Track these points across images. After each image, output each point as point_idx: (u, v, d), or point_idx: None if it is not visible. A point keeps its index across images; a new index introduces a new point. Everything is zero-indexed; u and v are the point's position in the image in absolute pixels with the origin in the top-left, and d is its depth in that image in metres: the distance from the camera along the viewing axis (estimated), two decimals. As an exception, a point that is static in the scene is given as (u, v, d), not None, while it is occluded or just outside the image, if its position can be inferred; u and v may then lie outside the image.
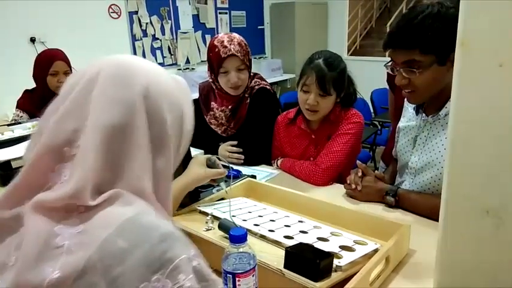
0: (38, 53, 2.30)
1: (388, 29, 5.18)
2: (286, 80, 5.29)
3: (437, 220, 0.67)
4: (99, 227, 0.54)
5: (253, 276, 0.75)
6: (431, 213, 1.16)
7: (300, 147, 1.68)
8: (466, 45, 0.59)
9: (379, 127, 3.66)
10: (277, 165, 1.72)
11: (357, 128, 1.57)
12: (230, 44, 1.71)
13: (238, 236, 0.74)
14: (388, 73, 1.97)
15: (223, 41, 1.72)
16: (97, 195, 0.56)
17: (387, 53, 1.20)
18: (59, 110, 0.59)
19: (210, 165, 1.18)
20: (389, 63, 1.20)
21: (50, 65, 2.14)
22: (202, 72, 4.20)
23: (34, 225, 0.54)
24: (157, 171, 0.62)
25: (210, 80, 1.85)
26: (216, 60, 1.73)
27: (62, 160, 0.58)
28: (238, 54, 1.70)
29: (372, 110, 4.01)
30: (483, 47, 0.58)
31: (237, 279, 0.74)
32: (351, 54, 5.47)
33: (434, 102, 1.24)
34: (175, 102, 0.66)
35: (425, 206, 1.19)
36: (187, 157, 1.22)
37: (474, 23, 0.58)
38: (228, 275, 0.74)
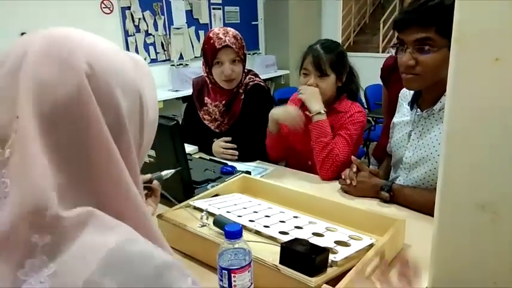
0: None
1: (382, 25, 5.19)
2: (280, 76, 5.28)
3: (431, 215, 0.67)
4: (76, 265, 0.42)
5: (248, 272, 0.75)
6: (425, 208, 1.16)
7: (304, 131, 1.66)
8: (462, 40, 0.59)
9: (373, 123, 3.67)
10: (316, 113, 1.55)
11: (362, 127, 1.61)
12: (225, 36, 1.73)
13: (233, 232, 0.74)
14: (381, 69, 1.98)
15: (218, 33, 1.74)
16: (68, 207, 0.44)
17: (395, 36, 1.19)
18: None
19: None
20: (395, 45, 1.20)
21: None
22: (195, 68, 4.17)
23: None
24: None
25: (204, 74, 1.85)
26: (210, 52, 1.74)
27: None
28: (233, 46, 1.72)
29: (366, 106, 4.02)
30: (479, 41, 0.57)
31: (232, 275, 0.73)
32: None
33: (429, 97, 1.24)
34: (131, 83, 0.53)
35: (420, 200, 1.19)
36: (180, 152, 1.22)
37: (470, 18, 0.58)
38: (223, 271, 0.74)
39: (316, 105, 1.54)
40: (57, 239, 0.43)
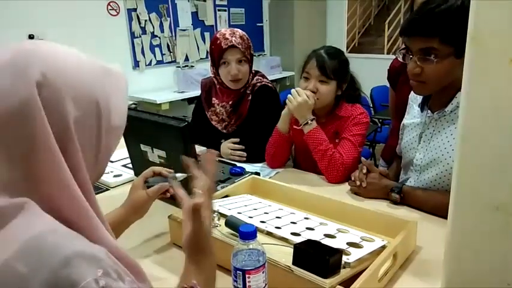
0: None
1: (386, 27, 5.18)
2: (286, 77, 5.27)
3: (443, 217, 0.67)
4: (0, 246, 0.50)
5: (263, 272, 0.75)
6: (436, 210, 1.16)
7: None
8: (477, 40, 0.59)
9: (379, 124, 3.66)
10: (303, 124, 1.53)
11: (366, 128, 1.59)
12: (232, 36, 1.75)
13: (247, 233, 0.74)
14: (388, 70, 1.97)
15: (225, 34, 1.76)
16: (6, 198, 0.52)
17: (400, 41, 1.19)
18: None
19: (151, 183, 1.02)
20: (402, 50, 1.20)
21: None
22: (201, 70, 4.17)
23: None
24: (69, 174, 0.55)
25: (212, 75, 1.86)
26: (217, 52, 1.75)
27: None
28: (239, 46, 1.73)
29: (371, 107, 4.01)
30: (494, 42, 0.57)
31: (247, 275, 0.73)
32: (349, 52, 5.45)
33: (440, 98, 1.24)
34: (89, 93, 0.58)
35: (431, 202, 1.19)
36: (191, 153, 1.22)
37: (485, 18, 0.57)
38: (237, 271, 0.74)
39: (304, 116, 1.52)
40: None
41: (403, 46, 1.20)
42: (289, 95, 1.54)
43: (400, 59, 1.22)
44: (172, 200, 1.24)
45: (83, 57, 0.61)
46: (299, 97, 1.50)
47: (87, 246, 0.53)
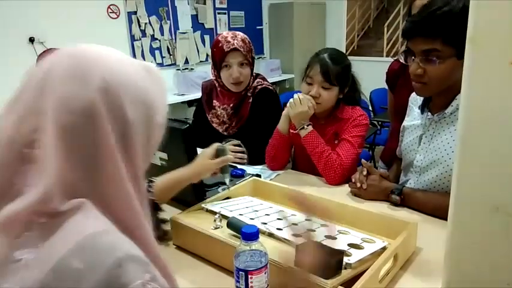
0: (38, 53, 2.28)
1: (386, 29, 5.20)
2: (285, 80, 5.29)
3: (443, 218, 0.68)
4: (57, 244, 0.51)
5: (265, 273, 0.76)
6: (436, 212, 1.17)
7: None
8: (476, 43, 0.59)
9: (379, 127, 3.67)
10: (299, 128, 1.57)
11: (366, 129, 1.60)
12: (233, 39, 1.75)
13: (250, 233, 0.75)
14: (387, 73, 1.98)
15: (227, 37, 1.77)
16: (66, 200, 0.53)
17: (400, 43, 1.20)
18: (14, 111, 0.56)
19: (220, 153, 1.19)
20: (404, 52, 1.21)
21: None
22: (201, 73, 4.19)
23: None
24: (125, 173, 0.57)
25: (213, 77, 1.87)
26: (218, 55, 1.76)
27: (25, 162, 0.54)
28: (241, 49, 1.74)
29: (371, 110, 4.02)
30: (493, 44, 0.58)
31: (249, 276, 0.74)
32: (349, 54, 5.46)
33: (440, 100, 1.25)
34: (142, 94, 0.59)
35: (431, 204, 1.20)
36: (192, 155, 1.23)
37: (484, 20, 0.58)
38: (240, 272, 0.75)
39: (300, 122, 1.55)
40: (51, 221, 0.52)
41: (404, 48, 1.21)
42: (291, 100, 1.55)
43: (401, 60, 1.23)
44: (175, 202, 1.25)
45: (128, 58, 0.62)
46: (301, 106, 1.52)
47: (137, 249, 0.54)
